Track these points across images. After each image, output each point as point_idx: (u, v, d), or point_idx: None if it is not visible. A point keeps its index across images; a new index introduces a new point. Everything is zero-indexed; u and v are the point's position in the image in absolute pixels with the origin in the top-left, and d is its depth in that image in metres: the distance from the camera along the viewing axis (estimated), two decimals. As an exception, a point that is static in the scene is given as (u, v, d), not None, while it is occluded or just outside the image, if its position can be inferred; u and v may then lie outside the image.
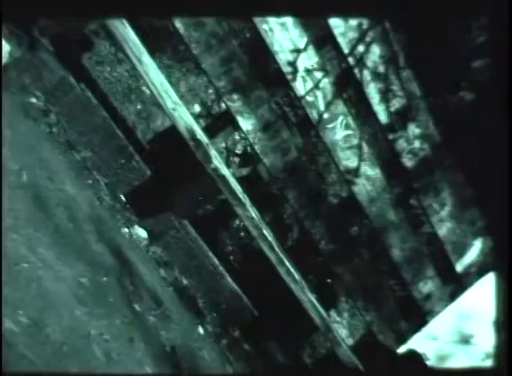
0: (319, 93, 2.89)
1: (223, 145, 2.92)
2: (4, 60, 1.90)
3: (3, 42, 1.88)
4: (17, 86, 2.07)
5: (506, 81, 1.61)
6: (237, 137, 3.03)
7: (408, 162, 3.27)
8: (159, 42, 3.14)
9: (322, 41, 2.93)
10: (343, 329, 3.14)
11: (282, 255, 2.81)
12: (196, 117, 3.42)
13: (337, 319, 3.16)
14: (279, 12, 2.40)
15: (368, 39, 2.95)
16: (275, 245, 2.76)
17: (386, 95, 3.07)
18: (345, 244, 3.19)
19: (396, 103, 3.11)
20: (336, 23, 2.85)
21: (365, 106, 3.10)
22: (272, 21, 2.73)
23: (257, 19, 2.71)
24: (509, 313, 1.57)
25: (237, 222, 2.76)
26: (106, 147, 2.29)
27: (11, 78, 2.05)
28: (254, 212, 2.66)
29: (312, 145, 3.00)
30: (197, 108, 3.47)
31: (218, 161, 2.48)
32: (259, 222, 2.68)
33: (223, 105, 2.89)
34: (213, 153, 2.47)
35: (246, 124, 2.74)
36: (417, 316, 3.16)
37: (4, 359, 0.68)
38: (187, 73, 3.40)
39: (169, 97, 2.34)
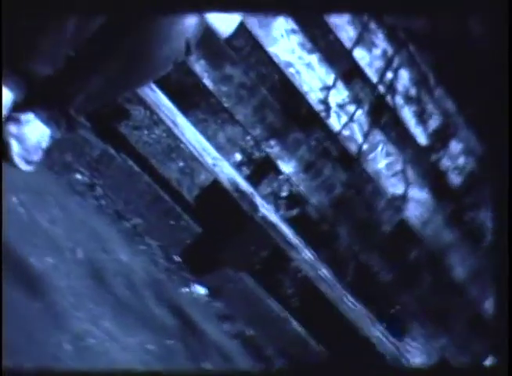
0: (354, 126, 2.91)
1: (268, 190, 2.94)
2: (45, 143, 1.97)
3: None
4: (61, 166, 2.13)
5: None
6: (281, 181, 3.05)
7: (455, 179, 3.25)
8: (191, 100, 3.21)
9: (350, 74, 2.96)
10: (415, 358, 3.09)
11: (343, 292, 2.80)
12: (238, 166, 3.47)
13: (408, 348, 3.11)
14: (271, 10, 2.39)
15: (395, 65, 2.97)
16: (334, 283, 2.75)
17: (422, 117, 3.07)
18: (405, 271, 3.16)
19: (433, 123, 3.11)
20: (361, 55, 2.88)
21: (403, 130, 3.10)
22: (298, 63, 2.77)
23: (282, 64, 2.75)
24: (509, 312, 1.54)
25: (293, 264, 2.76)
26: (154, 211, 2.34)
27: (54, 159, 2.12)
28: (308, 253, 2.67)
29: (356, 177, 2.99)
30: (238, 157, 3.52)
31: (265, 209, 2.50)
32: (315, 262, 2.69)
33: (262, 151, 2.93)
34: (259, 201, 2.50)
35: (287, 167, 2.76)
36: (489, 335, 3.10)
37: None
38: (223, 124, 3.46)
39: (208, 154, 2.39)
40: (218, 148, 3.38)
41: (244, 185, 2.53)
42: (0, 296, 0.64)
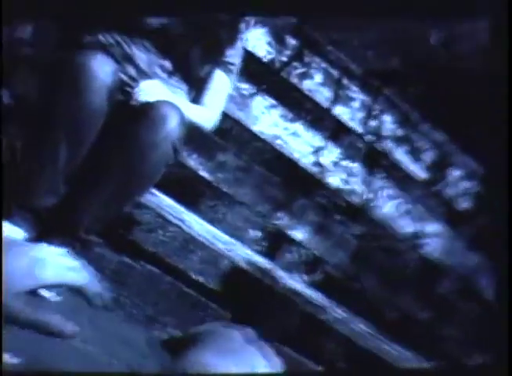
0: (352, 179, 2.99)
1: (287, 260, 3.00)
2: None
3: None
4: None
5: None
6: (297, 249, 3.11)
7: (464, 203, 3.30)
8: (194, 191, 3.31)
9: (336, 132, 3.06)
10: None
11: (385, 341, 2.82)
12: (254, 241, 3.54)
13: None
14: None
15: (376, 112, 3.07)
16: (374, 334, 2.78)
17: (415, 154, 3.15)
18: (440, 304, 3.18)
19: (428, 157, 3.18)
20: (341, 111, 2.99)
21: (400, 171, 3.18)
22: (284, 134, 2.89)
23: (269, 138, 2.87)
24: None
25: (328, 326, 2.79)
26: (182, 307, 2.40)
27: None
28: (341, 312, 2.70)
29: (368, 227, 3.05)
30: (252, 233, 3.59)
31: (287, 279, 2.56)
32: (349, 318, 2.72)
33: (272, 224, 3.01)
34: (279, 274, 2.56)
35: (299, 234, 2.84)
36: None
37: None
38: (230, 205, 3.54)
39: (219, 241, 2.46)
40: (233, 229, 3.47)
41: (262, 261, 2.59)
42: (0, 298, 0.70)
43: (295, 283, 2.64)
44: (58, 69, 2.08)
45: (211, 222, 2.95)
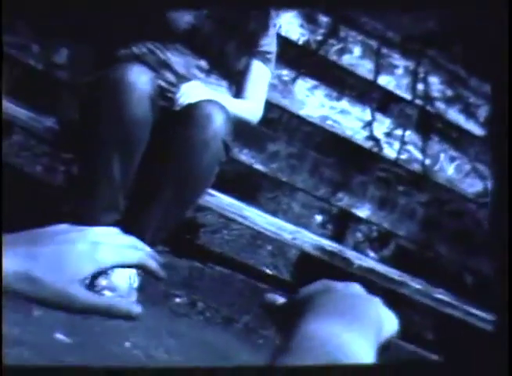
0: (409, 147, 2.92)
1: (357, 239, 2.96)
2: (136, 283, 2.07)
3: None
4: (158, 296, 2.22)
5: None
6: (364, 226, 3.07)
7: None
8: (253, 185, 3.30)
9: (384, 102, 3.00)
10: None
11: (469, 307, 2.76)
12: (320, 226, 3.50)
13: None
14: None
15: (421, 75, 2.99)
16: (457, 301, 2.71)
17: (468, 111, 3.06)
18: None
19: (482, 112, 3.08)
20: (386, 81, 2.92)
21: (456, 131, 3.09)
22: (332, 113, 2.84)
23: (318, 120, 2.82)
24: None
25: (410, 298, 2.73)
26: (256, 302, 2.39)
27: (149, 293, 2.21)
28: (418, 284, 2.65)
29: (432, 193, 2.99)
30: (319, 218, 3.56)
31: (359, 259, 2.52)
32: (428, 288, 2.66)
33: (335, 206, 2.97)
34: (350, 254, 2.52)
35: (363, 212, 2.80)
36: None
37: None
38: (289, 194, 3.52)
39: (285, 231, 2.44)
40: (296, 217, 3.44)
41: (330, 244, 2.56)
42: (0, 296, 0.69)
43: (367, 261, 2.59)
44: (97, 87, 2.09)
45: (274, 213, 2.93)
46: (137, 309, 0.78)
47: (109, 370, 0.71)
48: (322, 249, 2.39)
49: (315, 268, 2.49)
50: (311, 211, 3.57)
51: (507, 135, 1.36)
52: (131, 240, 0.80)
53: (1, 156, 2.36)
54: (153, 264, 0.80)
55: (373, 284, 2.53)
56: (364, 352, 0.66)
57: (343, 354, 0.63)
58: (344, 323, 0.67)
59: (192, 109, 2.10)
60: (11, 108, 2.18)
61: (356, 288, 0.76)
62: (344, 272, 2.38)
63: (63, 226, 0.79)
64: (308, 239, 2.43)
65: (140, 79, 2.03)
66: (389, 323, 0.74)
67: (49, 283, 0.73)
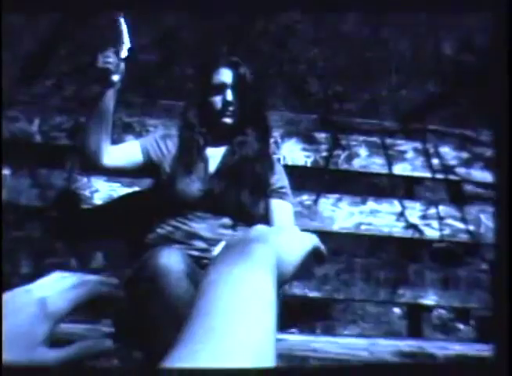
0: (448, 221, 2.94)
1: (435, 327, 2.92)
2: None
3: None
4: None
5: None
6: (435, 313, 3.04)
7: None
8: (312, 324, 3.30)
9: (407, 188, 3.04)
10: None
11: None
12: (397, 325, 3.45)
13: None
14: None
15: (432, 150, 3.04)
16: None
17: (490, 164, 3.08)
18: None
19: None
20: (401, 168, 2.98)
21: (487, 187, 3.10)
22: (363, 218, 2.89)
23: (353, 229, 2.87)
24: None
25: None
26: None
27: None
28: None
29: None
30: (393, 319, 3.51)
31: (443, 350, 2.48)
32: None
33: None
34: (430, 348, 2.49)
35: (429, 299, 2.79)
36: None
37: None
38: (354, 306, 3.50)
39: (357, 349, 2.43)
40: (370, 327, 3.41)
41: (408, 344, 2.54)
42: (0, 295, 0.67)
43: (451, 347, 2.55)
44: (137, 280, 2.19)
45: (348, 326, 2.92)
46: (108, 342, 0.77)
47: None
48: (400, 353, 2.37)
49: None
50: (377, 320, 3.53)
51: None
52: (76, 277, 0.78)
53: (1, 156, 2.42)
54: (106, 289, 0.79)
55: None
56: (261, 280, 0.69)
57: (237, 285, 0.66)
58: (233, 262, 0.71)
59: None
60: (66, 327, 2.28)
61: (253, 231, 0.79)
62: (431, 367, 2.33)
63: (9, 295, 0.77)
64: (382, 348, 2.41)
65: (172, 260, 2.12)
66: (292, 246, 0.78)
67: (16, 359, 0.71)
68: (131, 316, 2.26)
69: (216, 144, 2.59)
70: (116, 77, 2.43)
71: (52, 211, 2.75)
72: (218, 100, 2.56)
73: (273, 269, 0.74)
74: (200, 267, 2.34)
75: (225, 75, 2.57)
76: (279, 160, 2.90)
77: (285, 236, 0.81)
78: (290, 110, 3.00)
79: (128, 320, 2.29)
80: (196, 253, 2.40)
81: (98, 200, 2.79)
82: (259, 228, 0.83)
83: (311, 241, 0.84)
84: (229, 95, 2.54)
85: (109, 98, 2.44)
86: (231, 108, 2.54)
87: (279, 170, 2.63)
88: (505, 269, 1.59)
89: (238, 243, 0.78)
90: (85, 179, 2.80)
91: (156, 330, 2.11)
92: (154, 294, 2.10)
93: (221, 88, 2.55)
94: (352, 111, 2.99)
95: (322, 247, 0.84)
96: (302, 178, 2.93)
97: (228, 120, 2.56)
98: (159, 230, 2.49)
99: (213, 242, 2.39)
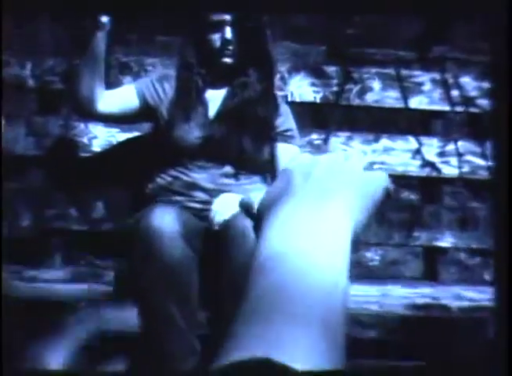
0: (468, 157, 2.77)
1: (452, 273, 2.81)
2: None
3: None
4: None
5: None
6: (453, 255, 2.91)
7: None
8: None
9: (424, 123, 2.86)
10: None
11: None
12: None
13: None
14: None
15: (451, 80, 2.84)
16: None
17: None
18: None
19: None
20: (417, 102, 2.79)
21: None
22: (376, 157, 2.74)
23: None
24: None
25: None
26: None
27: None
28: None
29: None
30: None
31: (457, 300, 2.38)
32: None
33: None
34: (446, 299, 2.39)
35: (446, 241, 2.66)
36: None
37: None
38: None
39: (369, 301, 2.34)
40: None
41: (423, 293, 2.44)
42: (0, 297, 0.63)
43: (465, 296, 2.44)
44: (131, 238, 2.10)
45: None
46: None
47: None
48: (412, 306, 2.27)
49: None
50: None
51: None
52: None
53: (1, 156, 2.40)
54: None
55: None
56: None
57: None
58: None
59: (226, 230, 2.06)
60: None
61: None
62: (446, 322, 2.25)
63: None
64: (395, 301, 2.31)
65: (165, 221, 2.01)
66: (365, 185, 0.67)
67: None
68: (129, 275, 2.19)
69: (216, 86, 2.43)
70: (105, 18, 2.27)
71: (50, 161, 2.64)
72: (216, 38, 2.38)
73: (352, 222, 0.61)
74: (200, 219, 2.23)
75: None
76: (286, 98, 2.73)
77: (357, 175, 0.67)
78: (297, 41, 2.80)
79: (127, 280, 2.22)
80: (196, 205, 2.30)
81: (96, 147, 2.67)
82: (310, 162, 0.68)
83: (383, 179, 0.70)
84: (228, 33, 2.35)
85: (100, 40, 2.29)
86: (230, 47, 2.36)
87: (284, 111, 2.47)
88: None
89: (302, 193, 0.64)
90: (82, 125, 2.67)
91: (153, 292, 2.03)
92: (148, 256, 2.01)
93: (219, 25, 2.36)
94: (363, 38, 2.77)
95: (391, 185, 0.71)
96: (311, 116, 2.76)
97: (227, 60, 2.38)
98: (158, 180, 2.38)
99: (214, 193, 2.28)
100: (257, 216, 0.66)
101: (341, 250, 0.57)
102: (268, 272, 0.55)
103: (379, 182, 0.68)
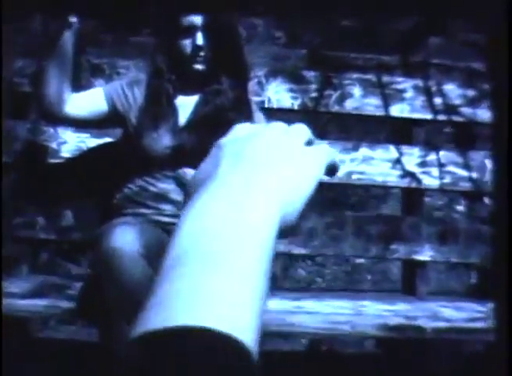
0: (449, 168, 2.68)
1: (430, 287, 2.73)
2: None
3: None
4: None
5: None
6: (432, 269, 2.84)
7: None
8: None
9: (405, 132, 2.77)
10: None
11: None
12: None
13: None
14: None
15: (434, 88, 2.75)
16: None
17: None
18: None
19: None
20: (399, 109, 2.71)
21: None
22: (355, 166, 2.65)
23: (344, 179, 2.64)
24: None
25: None
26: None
27: None
28: None
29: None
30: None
31: (432, 322, 2.31)
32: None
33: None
34: (420, 319, 2.31)
35: (425, 255, 2.58)
36: None
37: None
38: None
39: (339, 324, 2.27)
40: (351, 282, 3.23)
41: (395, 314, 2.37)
42: (0, 296, 0.57)
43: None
44: (92, 263, 2.04)
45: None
46: None
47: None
48: (385, 327, 2.20)
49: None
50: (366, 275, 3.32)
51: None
52: None
53: (1, 156, 2.34)
54: None
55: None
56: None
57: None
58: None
59: None
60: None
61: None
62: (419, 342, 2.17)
63: None
64: (368, 321, 2.23)
65: (125, 242, 1.93)
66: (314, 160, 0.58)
67: None
68: (90, 294, 2.12)
69: (187, 93, 2.34)
70: (73, 18, 2.18)
71: (18, 167, 2.56)
72: (187, 44, 2.28)
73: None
74: (168, 234, 2.15)
75: (195, 15, 2.28)
76: (263, 104, 2.64)
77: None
78: (276, 44, 2.71)
79: (89, 298, 2.14)
80: (164, 219, 2.22)
81: (66, 152, 2.58)
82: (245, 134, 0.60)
83: (328, 154, 0.61)
84: (200, 39, 2.26)
85: (68, 40, 2.20)
86: (202, 53, 2.27)
87: (259, 119, 2.38)
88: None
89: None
90: (52, 130, 2.57)
91: (113, 312, 1.96)
92: (108, 277, 1.93)
93: (190, 30, 2.27)
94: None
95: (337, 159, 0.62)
96: (288, 123, 2.67)
97: (199, 66, 2.29)
98: (126, 190, 2.30)
99: (181, 205, 2.19)
100: (184, 199, 0.58)
101: (258, 250, 0.48)
102: (175, 277, 0.46)
103: (322, 157, 0.58)
